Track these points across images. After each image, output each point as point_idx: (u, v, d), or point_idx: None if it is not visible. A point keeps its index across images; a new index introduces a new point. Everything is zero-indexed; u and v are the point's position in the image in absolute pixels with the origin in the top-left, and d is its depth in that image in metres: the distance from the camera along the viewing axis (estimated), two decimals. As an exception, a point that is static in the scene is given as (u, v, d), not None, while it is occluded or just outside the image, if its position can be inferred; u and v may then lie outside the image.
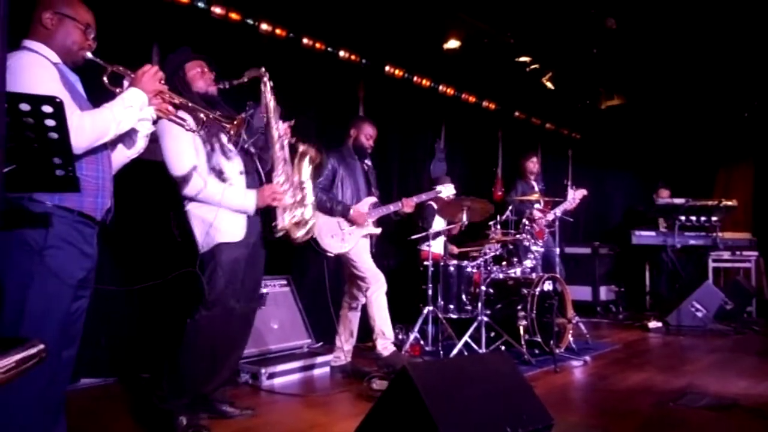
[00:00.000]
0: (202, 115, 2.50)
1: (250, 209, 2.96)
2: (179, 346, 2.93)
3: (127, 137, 2.33)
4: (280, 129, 3.05)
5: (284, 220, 2.97)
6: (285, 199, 2.98)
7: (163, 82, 2.34)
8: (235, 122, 2.55)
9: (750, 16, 5.48)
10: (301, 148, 3.10)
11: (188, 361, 2.93)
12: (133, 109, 2.22)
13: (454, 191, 4.83)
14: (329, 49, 5.33)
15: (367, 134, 4.44)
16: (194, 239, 2.96)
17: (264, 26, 4.80)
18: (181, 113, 2.54)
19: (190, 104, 2.49)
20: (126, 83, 2.32)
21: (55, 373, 2.12)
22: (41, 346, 1.37)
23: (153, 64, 2.34)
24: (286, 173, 3.02)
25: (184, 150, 2.87)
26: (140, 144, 2.44)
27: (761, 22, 5.56)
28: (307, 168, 3.11)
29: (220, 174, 2.95)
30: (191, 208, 2.97)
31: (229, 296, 2.95)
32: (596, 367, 4.68)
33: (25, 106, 1.54)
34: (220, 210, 2.89)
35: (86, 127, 2.06)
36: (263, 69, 3.06)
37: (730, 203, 7.28)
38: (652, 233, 7.61)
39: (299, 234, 3.01)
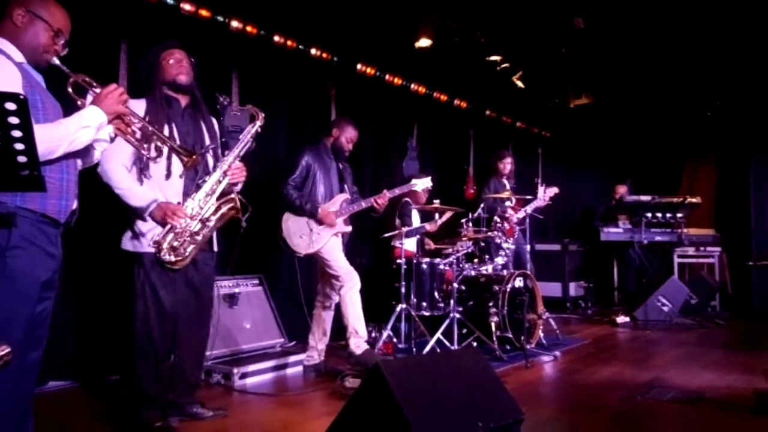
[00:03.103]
0: (159, 143, 2.46)
1: (143, 212, 2.87)
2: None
3: (83, 150, 2.26)
4: (234, 166, 2.99)
5: (165, 239, 2.81)
6: (179, 222, 2.83)
7: (126, 104, 2.29)
8: (194, 157, 2.52)
9: (713, 19, 5.61)
10: (234, 196, 2.98)
11: (139, 359, 2.96)
12: (89, 129, 2.16)
13: (430, 183, 4.82)
14: (300, 47, 5.31)
15: (348, 137, 4.43)
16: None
17: (234, 23, 4.75)
18: (141, 137, 2.46)
19: (150, 129, 2.44)
20: (89, 97, 2.28)
21: (20, 376, 2.07)
22: (7, 349, 1.35)
23: (119, 86, 2.29)
24: (200, 203, 2.90)
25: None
26: (96, 156, 2.40)
27: (724, 24, 5.71)
28: (223, 215, 2.95)
29: (141, 170, 2.90)
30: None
31: (156, 292, 2.95)
32: (566, 362, 4.76)
33: (-13, 104, 1.51)
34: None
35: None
36: (262, 115, 3.10)
37: (694, 200, 7.45)
38: (620, 230, 7.76)
39: (167, 257, 2.80)
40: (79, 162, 2.33)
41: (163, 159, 2.87)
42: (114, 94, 2.24)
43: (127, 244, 2.99)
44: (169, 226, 2.82)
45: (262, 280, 4.84)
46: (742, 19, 5.57)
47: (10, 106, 1.53)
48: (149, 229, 2.92)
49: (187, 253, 2.85)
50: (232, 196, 2.99)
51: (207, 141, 3.12)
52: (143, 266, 2.94)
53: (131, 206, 2.90)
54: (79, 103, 2.25)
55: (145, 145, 2.44)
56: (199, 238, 2.89)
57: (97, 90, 2.27)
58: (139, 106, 2.87)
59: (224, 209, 2.95)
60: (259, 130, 3.09)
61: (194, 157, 2.54)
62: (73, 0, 2.51)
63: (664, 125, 8.85)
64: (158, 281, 2.94)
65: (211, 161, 3.11)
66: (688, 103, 8.03)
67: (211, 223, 2.92)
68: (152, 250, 2.85)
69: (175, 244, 2.82)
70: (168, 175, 2.95)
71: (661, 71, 6.97)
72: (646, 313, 6.71)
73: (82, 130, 2.14)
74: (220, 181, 2.95)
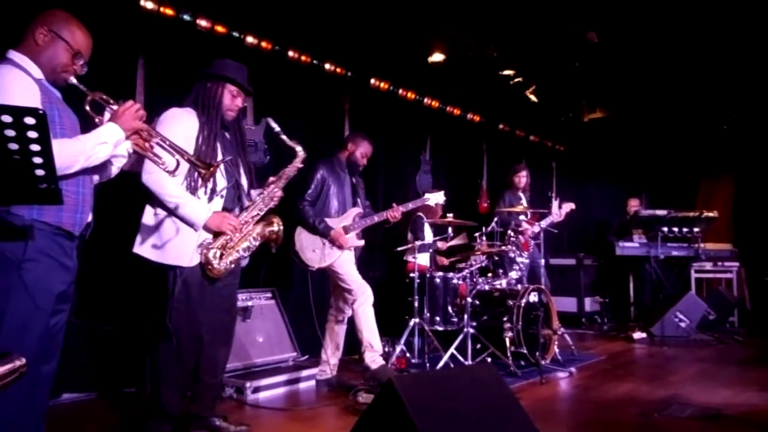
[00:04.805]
0: (177, 157, 2.48)
1: (199, 223, 2.92)
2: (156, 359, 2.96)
3: (100, 165, 2.29)
4: (276, 194, 3.17)
5: (214, 245, 2.96)
6: (233, 232, 2.99)
7: (143, 120, 2.32)
8: (211, 169, 2.56)
9: (729, 32, 5.59)
10: (276, 222, 3.14)
11: (165, 374, 2.94)
12: (107, 145, 2.19)
13: (443, 198, 4.80)
14: (315, 61, 5.35)
15: (363, 152, 4.44)
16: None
17: (250, 39, 4.81)
18: (158, 151, 2.49)
19: (167, 143, 2.47)
20: (107, 114, 2.31)
21: (34, 388, 2.09)
22: (23, 361, 1.35)
23: (136, 102, 2.32)
24: (247, 222, 3.08)
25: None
26: (113, 171, 2.43)
27: (739, 38, 5.68)
28: (263, 237, 3.12)
29: (194, 190, 2.93)
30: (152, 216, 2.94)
31: (191, 307, 2.94)
32: (582, 379, 4.70)
33: (6, 118, 1.53)
34: (181, 227, 2.91)
35: None
36: (303, 155, 3.35)
37: (711, 214, 7.37)
38: (636, 244, 7.68)
39: (214, 264, 2.95)
40: (96, 177, 2.36)
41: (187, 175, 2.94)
42: (131, 110, 2.27)
43: (162, 256, 2.91)
44: (222, 236, 2.96)
45: (275, 294, 4.84)
46: (757, 32, 5.54)
47: (30, 120, 1.55)
48: (187, 242, 2.91)
49: (229, 263, 3.00)
50: (275, 221, 3.12)
51: (242, 171, 3.21)
52: (181, 279, 2.90)
53: (185, 216, 2.89)
54: (96, 120, 2.28)
55: (162, 159, 2.46)
56: (241, 252, 3.05)
57: (114, 107, 2.30)
58: (187, 115, 3.00)
59: (266, 231, 3.12)
60: (300, 165, 3.33)
61: (211, 169, 2.57)
62: (92, 16, 2.56)
63: (680, 139, 8.79)
64: (195, 295, 2.94)
65: (245, 181, 3.20)
66: (704, 116, 7.98)
67: (252, 241, 3.08)
68: (190, 264, 2.90)
69: (221, 253, 2.97)
70: (211, 196, 3.00)
71: (675, 85, 6.94)
72: (662, 328, 6.62)
73: (100, 147, 2.16)
74: (262, 211, 3.13)
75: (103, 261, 3.93)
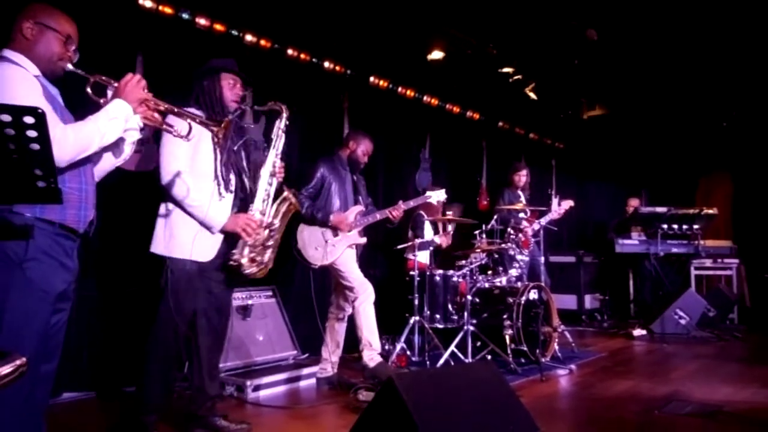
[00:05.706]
0: (188, 121, 2.46)
1: (217, 227, 2.95)
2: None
3: (114, 146, 2.30)
4: (276, 166, 3.09)
5: (243, 254, 2.95)
6: (253, 235, 2.95)
7: (146, 89, 2.32)
8: (222, 125, 2.52)
9: (728, 29, 5.58)
10: (285, 193, 3.10)
11: (150, 362, 2.97)
12: (117, 120, 2.20)
13: (444, 195, 4.80)
14: (314, 60, 5.35)
15: (364, 150, 4.44)
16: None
17: (248, 37, 4.80)
18: (170, 119, 2.52)
19: (176, 109, 2.46)
20: (110, 93, 2.30)
21: (34, 387, 2.08)
22: (23, 360, 1.35)
23: (136, 74, 2.32)
24: (261, 210, 3.03)
25: (175, 154, 2.90)
26: (127, 150, 2.42)
27: (739, 34, 5.67)
28: (285, 214, 3.09)
29: (227, 184, 2.98)
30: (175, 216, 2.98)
31: (178, 298, 2.95)
32: (582, 376, 4.70)
33: (5, 117, 1.52)
34: (195, 226, 2.94)
35: (69, 140, 2.04)
36: (285, 106, 3.17)
37: (710, 211, 7.37)
38: (635, 241, 7.68)
39: (250, 270, 2.97)
40: (112, 160, 2.37)
41: (213, 177, 2.97)
42: (132, 82, 2.27)
43: (160, 247, 2.96)
44: (243, 242, 2.94)
45: (276, 292, 4.84)
46: (756, 30, 5.53)
47: (29, 119, 1.55)
48: (183, 235, 2.93)
49: (266, 259, 3.02)
50: (285, 193, 3.10)
51: (243, 162, 3.19)
52: (170, 271, 2.94)
53: (205, 220, 2.92)
54: (101, 101, 2.28)
55: (174, 127, 2.46)
56: (271, 243, 3.03)
57: (116, 85, 2.30)
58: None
59: (283, 209, 3.08)
60: (287, 122, 3.18)
61: (223, 124, 2.53)
62: (91, 14, 2.55)
63: (679, 136, 8.78)
64: (181, 287, 2.94)
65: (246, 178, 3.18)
66: (703, 113, 7.97)
67: (276, 226, 3.05)
68: (182, 256, 2.91)
69: (253, 255, 2.97)
70: (221, 194, 3.00)
71: (675, 82, 6.93)
72: (662, 325, 6.63)
73: (111, 123, 2.18)
74: (270, 184, 3.06)
75: (103, 259, 3.94)
